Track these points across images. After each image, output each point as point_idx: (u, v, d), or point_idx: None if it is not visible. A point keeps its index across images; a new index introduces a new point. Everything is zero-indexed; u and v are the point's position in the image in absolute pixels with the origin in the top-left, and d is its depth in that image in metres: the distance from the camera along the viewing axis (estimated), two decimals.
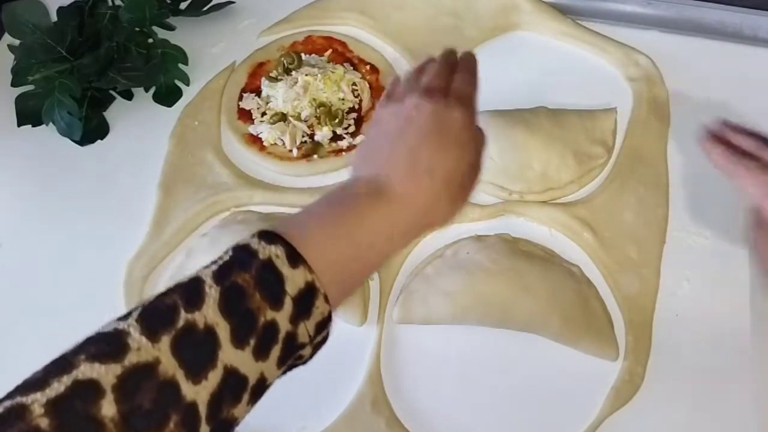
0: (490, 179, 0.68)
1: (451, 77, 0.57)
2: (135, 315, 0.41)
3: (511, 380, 0.61)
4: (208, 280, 0.42)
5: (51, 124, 0.73)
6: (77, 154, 0.74)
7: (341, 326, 0.62)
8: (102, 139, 0.75)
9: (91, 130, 0.75)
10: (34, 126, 0.75)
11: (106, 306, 0.65)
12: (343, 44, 0.79)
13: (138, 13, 0.76)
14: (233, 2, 0.82)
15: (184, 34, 0.80)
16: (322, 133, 0.72)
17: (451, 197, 0.52)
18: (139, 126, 0.76)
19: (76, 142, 0.74)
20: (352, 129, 0.73)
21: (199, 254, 0.65)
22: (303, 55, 0.76)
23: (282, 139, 0.72)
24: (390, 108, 0.54)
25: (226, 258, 0.44)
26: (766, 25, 0.77)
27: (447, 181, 0.51)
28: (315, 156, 0.72)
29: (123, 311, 0.65)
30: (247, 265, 0.43)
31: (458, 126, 0.53)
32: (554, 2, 0.79)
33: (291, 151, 0.72)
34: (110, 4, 0.78)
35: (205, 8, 0.81)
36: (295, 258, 0.44)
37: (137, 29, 0.77)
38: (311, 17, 0.81)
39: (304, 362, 0.47)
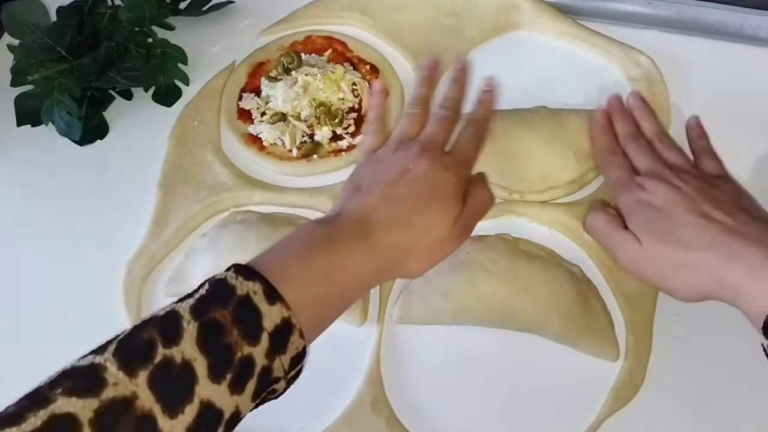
0: (490, 179, 0.68)
1: (455, 121, 0.61)
2: (111, 349, 0.41)
3: (511, 380, 0.61)
4: (186, 315, 0.43)
5: (50, 123, 0.73)
6: (76, 154, 0.74)
7: (341, 326, 0.62)
8: (101, 139, 0.75)
9: (90, 129, 0.75)
10: (33, 126, 0.74)
11: (106, 306, 0.65)
12: (343, 44, 0.78)
13: (137, 12, 0.76)
14: (233, 2, 0.82)
15: (183, 33, 0.80)
16: (322, 133, 0.72)
17: (424, 252, 0.55)
18: (139, 126, 0.76)
19: (75, 141, 0.74)
20: (352, 129, 0.73)
21: (198, 254, 0.65)
22: (303, 54, 0.76)
23: (282, 139, 0.72)
24: (393, 154, 0.58)
25: (203, 292, 0.45)
26: (766, 25, 0.77)
27: (423, 237, 0.54)
28: (315, 156, 0.71)
29: (122, 311, 0.66)
30: (225, 301, 0.44)
31: (449, 188, 0.56)
32: (555, 2, 0.79)
33: (291, 150, 0.72)
34: (110, 3, 0.78)
35: (204, 8, 0.81)
36: (272, 295, 0.45)
37: (137, 29, 0.76)
38: (311, 17, 0.81)
39: (277, 396, 0.47)
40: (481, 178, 0.60)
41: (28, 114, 0.74)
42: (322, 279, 0.49)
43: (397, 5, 0.80)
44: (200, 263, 0.64)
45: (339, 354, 0.62)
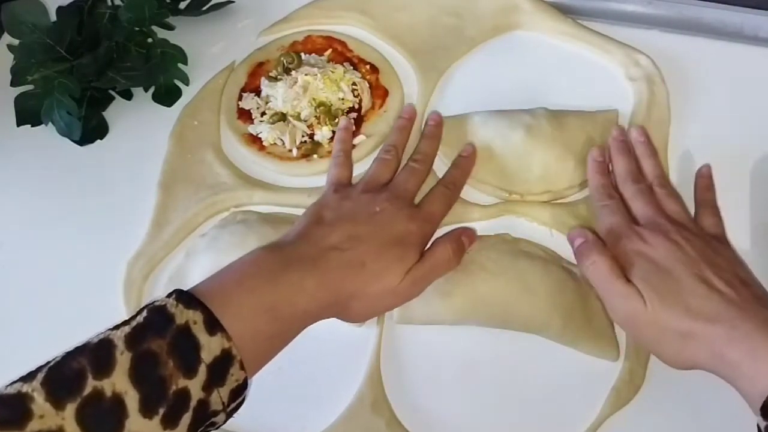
0: (489, 180, 0.68)
1: (426, 174, 0.64)
2: (40, 378, 0.40)
3: (512, 380, 0.61)
4: (120, 345, 0.42)
5: (50, 124, 0.73)
6: (77, 154, 0.74)
7: (341, 326, 0.62)
8: (101, 139, 0.75)
9: (90, 130, 0.75)
10: (33, 126, 0.74)
11: (106, 306, 0.65)
12: (343, 44, 0.78)
13: (137, 12, 0.76)
14: (233, 2, 0.82)
15: (183, 33, 0.79)
16: (322, 133, 0.72)
17: (371, 298, 0.55)
18: (139, 126, 0.76)
19: (75, 142, 0.74)
20: (351, 129, 0.73)
21: (198, 254, 0.65)
22: (303, 54, 0.76)
23: (282, 139, 0.72)
24: (361, 195, 0.60)
25: (141, 320, 0.43)
26: (766, 25, 0.77)
27: (373, 282, 0.54)
28: (315, 156, 0.71)
29: (122, 311, 0.66)
30: (163, 331, 0.43)
31: (410, 238, 0.57)
32: (555, 2, 0.79)
33: (291, 150, 0.72)
34: (110, 3, 0.78)
35: (204, 8, 0.81)
36: (212, 324, 0.44)
37: (137, 29, 0.76)
38: (311, 17, 0.81)
39: (217, 428, 0.46)
40: (450, 236, 0.60)
41: (28, 114, 0.74)
42: (267, 313, 0.48)
43: (398, 5, 0.80)
44: (200, 263, 0.64)
45: (339, 354, 0.62)
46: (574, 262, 0.64)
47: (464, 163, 0.66)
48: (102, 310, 0.65)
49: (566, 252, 0.65)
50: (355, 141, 0.72)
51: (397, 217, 0.58)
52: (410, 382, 0.61)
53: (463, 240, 0.61)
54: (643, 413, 0.59)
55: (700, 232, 0.59)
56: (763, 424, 0.48)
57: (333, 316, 0.55)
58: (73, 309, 0.65)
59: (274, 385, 0.60)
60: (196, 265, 0.64)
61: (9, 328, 0.65)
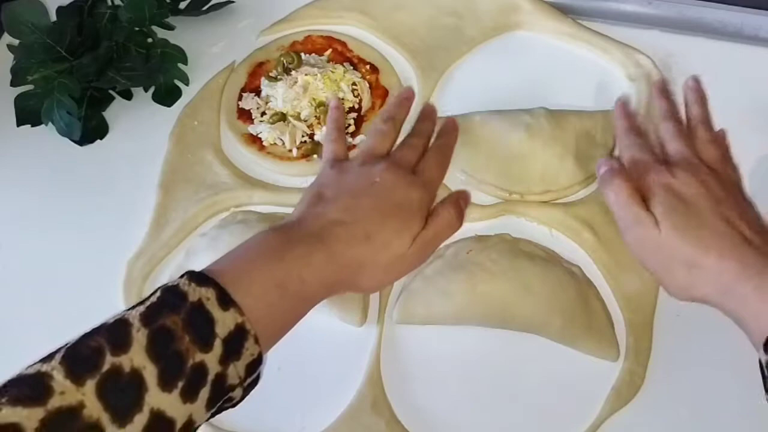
0: (489, 180, 0.68)
1: (423, 152, 0.62)
2: (58, 357, 0.40)
3: (512, 381, 0.61)
4: (136, 323, 0.42)
5: (50, 123, 0.73)
6: (77, 154, 0.74)
7: (341, 326, 0.62)
8: (101, 138, 0.75)
9: (90, 129, 0.75)
10: (33, 126, 0.74)
11: (106, 306, 0.64)
12: (343, 44, 0.79)
13: (137, 12, 0.76)
14: (233, 2, 0.82)
15: (183, 33, 0.79)
16: (322, 133, 0.72)
17: (381, 268, 0.54)
18: (139, 126, 0.76)
19: (75, 141, 0.74)
20: (351, 129, 0.73)
21: (198, 254, 0.65)
22: (303, 54, 0.76)
23: (282, 139, 0.72)
24: (360, 167, 0.58)
25: (154, 299, 0.44)
26: (766, 25, 0.77)
27: (381, 252, 0.54)
28: (315, 156, 0.71)
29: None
30: (177, 308, 0.43)
31: (412, 204, 0.56)
32: (555, 2, 0.79)
33: (291, 150, 0.72)
34: (110, 3, 0.78)
35: (204, 8, 0.81)
36: (225, 300, 0.44)
37: (137, 29, 0.77)
38: (311, 17, 0.81)
39: (234, 404, 0.47)
40: (449, 201, 0.60)
41: (28, 114, 0.74)
42: (277, 289, 0.48)
43: (397, 5, 0.80)
44: (200, 263, 0.63)
45: (339, 354, 0.62)
46: (574, 262, 0.64)
47: (451, 128, 0.65)
48: (102, 310, 0.64)
49: (566, 252, 0.65)
50: (355, 141, 0.72)
51: (397, 186, 0.57)
52: (410, 382, 0.61)
53: (461, 203, 0.60)
54: (643, 413, 0.59)
55: (728, 178, 0.58)
56: (764, 359, 0.48)
57: (344, 291, 0.55)
58: (73, 309, 0.64)
59: (274, 385, 0.60)
60: (196, 265, 0.64)
61: (9, 328, 0.65)
